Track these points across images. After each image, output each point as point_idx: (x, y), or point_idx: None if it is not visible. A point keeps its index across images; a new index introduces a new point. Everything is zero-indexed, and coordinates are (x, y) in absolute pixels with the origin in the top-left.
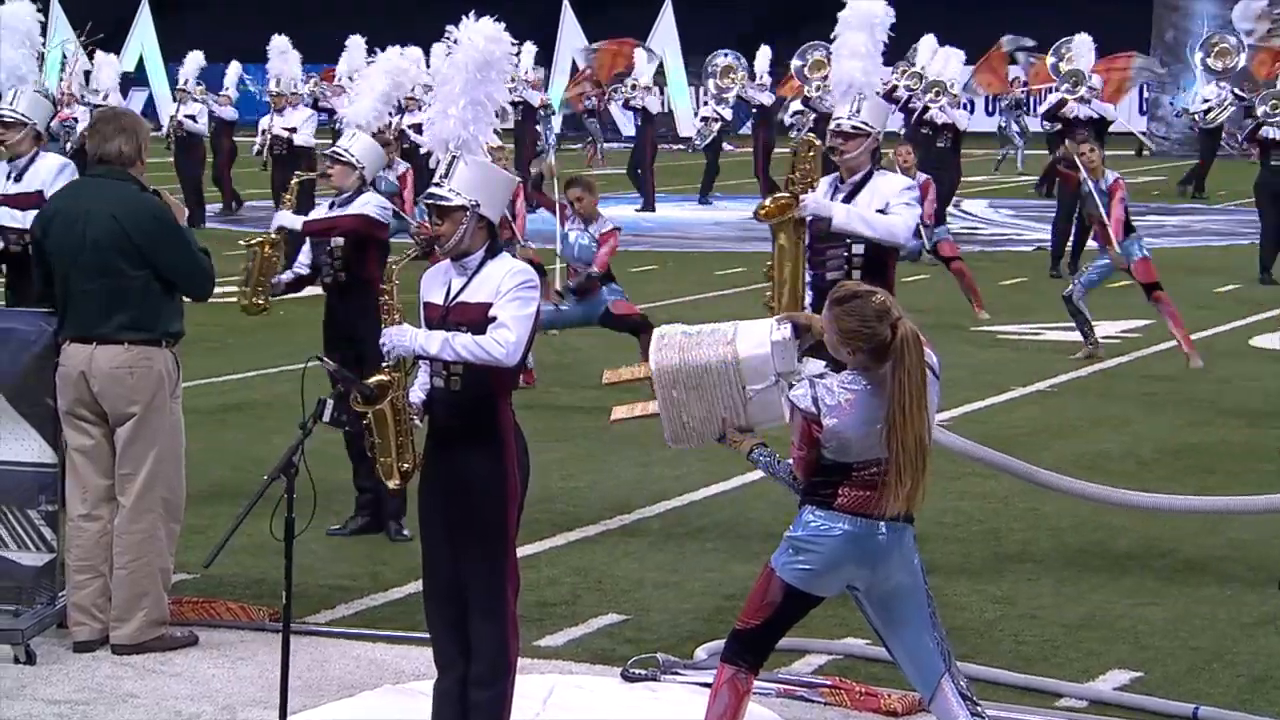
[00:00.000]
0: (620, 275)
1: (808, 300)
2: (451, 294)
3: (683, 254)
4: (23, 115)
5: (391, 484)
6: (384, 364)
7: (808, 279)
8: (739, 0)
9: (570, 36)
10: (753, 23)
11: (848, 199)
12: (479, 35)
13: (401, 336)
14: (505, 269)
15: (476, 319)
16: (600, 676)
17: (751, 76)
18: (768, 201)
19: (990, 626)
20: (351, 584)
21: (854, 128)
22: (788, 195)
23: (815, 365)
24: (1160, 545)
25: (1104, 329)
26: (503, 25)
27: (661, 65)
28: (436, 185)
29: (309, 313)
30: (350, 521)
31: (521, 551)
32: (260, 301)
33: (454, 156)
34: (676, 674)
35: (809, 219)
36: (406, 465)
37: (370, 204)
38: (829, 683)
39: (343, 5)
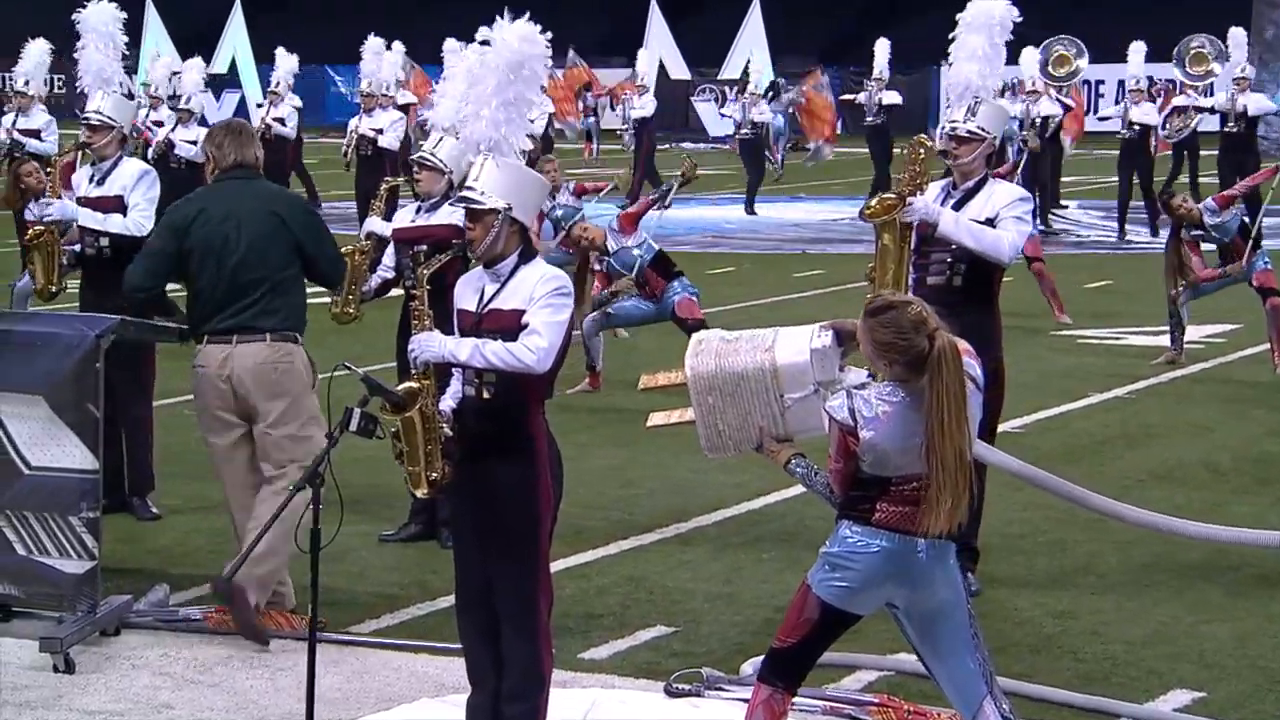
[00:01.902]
0: (698, 277)
1: None
2: (484, 301)
3: (761, 255)
4: (109, 118)
5: (420, 493)
6: (412, 370)
7: (911, 281)
8: (827, 4)
9: (658, 38)
10: (843, 25)
11: (959, 205)
12: (512, 36)
13: (430, 343)
14: (538, 275)
15: (509, 326)
16: (644, 691)
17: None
18: (874, 201)
19: (1049, 643)
20: (400, 592)
21: (969, 132)
22: (895, 196)
23: (857, 374)
24: (1230, 559)
25: (1188, 333)
26: (539, 28)
27: (748, 67)
28: (468, 188)
29: (382, 315)
30: (404, 528)
31: (574, 560)
32: (351, 310)
33: (485, 158)
34: (721, 689)
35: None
36: (435, 474)
37: (458, 213)
38: (876, 700)
39: (438, 6)
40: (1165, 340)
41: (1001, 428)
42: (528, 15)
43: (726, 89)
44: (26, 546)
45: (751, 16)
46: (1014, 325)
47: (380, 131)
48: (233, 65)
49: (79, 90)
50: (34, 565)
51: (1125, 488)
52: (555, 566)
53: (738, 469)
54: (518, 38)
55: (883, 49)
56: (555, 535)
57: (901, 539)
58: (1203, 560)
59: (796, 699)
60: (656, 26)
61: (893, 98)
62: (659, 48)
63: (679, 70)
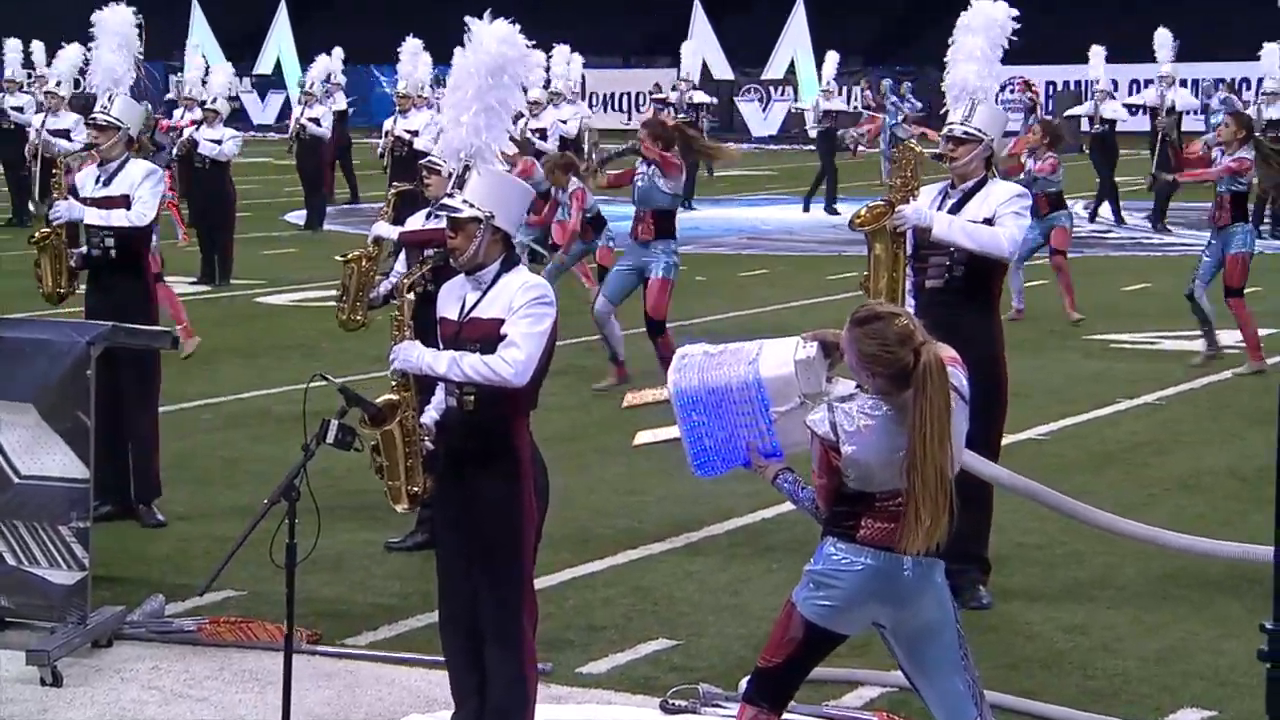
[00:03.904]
0: (730, 280)
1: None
2: (465, 309)
3: (795, 258)
4: (116, 119)
5: (400, 508)
6: (392, 382)
7: (909, 286)
8: (872, 3)
9: (701, 37)
10: (885, 24)
11: (957, 207)
12: (490, 38)
13: (410, 354)
14: (519, 283)
15: (489, 334)
16: (639, 707)
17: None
18: (863, 209)
19: (1059, 658)
20: (400, 603)
21: (965, 133)
22: (884, 203)
23: (844, 386)
24: (1252, 572)
25: (1221, 338)
26: (517, 28)
27: (793, 65)
28: (449, 196)
29: None
30: (410, 536)
31: (581, 569)
32: (359, 317)
33: (467, 166)
34: (717, 706)
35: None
36: (416, 489)
37: None
38: (875, 718)
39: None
40: (1200, 344)
41: (1027, 434)
42: (556, 14)
43: (771, 89)
44: (16, 557)
45: (795, 16)
46: (1046, 328)
47: (416, 133)
48: (278, 66)
49: (85, 90)
50: (23, 576)
51: (1151, 496)
52: (562, 576)
53: (748, 478)
54: (496, 40)
55: (689, 50)
56: (562, 544)
57: (887, 556)
58: (1223, 574)
59: (794, 717)
60: (700, 26)
61: (702, 97)
62: (702, 47)
63: (723, 70)
